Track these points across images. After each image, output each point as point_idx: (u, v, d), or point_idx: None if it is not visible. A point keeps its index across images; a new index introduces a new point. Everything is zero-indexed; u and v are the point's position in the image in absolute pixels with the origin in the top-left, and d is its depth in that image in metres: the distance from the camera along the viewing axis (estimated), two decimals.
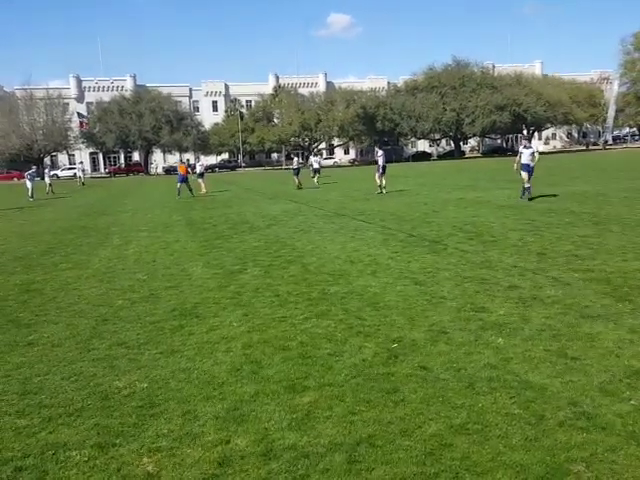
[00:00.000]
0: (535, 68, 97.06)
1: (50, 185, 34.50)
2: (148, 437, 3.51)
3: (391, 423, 3.55)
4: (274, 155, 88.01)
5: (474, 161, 63.29)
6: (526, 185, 16.45)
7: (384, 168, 21.83)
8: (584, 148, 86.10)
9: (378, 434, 3.42)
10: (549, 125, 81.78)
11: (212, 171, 76.54)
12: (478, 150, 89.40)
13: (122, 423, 3.69)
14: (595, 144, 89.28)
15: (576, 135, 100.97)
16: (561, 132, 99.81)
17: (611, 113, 78.18)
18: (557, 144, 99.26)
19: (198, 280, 7.86)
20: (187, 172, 25.84)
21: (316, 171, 30.42)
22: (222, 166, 79.68)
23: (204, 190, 26.84)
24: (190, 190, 24.90)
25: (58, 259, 10.25)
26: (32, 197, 28.96)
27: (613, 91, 78.65)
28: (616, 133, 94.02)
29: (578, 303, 5.84)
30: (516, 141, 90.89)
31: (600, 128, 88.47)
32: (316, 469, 3.07)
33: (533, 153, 16.67)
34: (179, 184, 25.15)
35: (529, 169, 16.41)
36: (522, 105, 71.18)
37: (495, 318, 5.51)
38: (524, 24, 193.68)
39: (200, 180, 27.62)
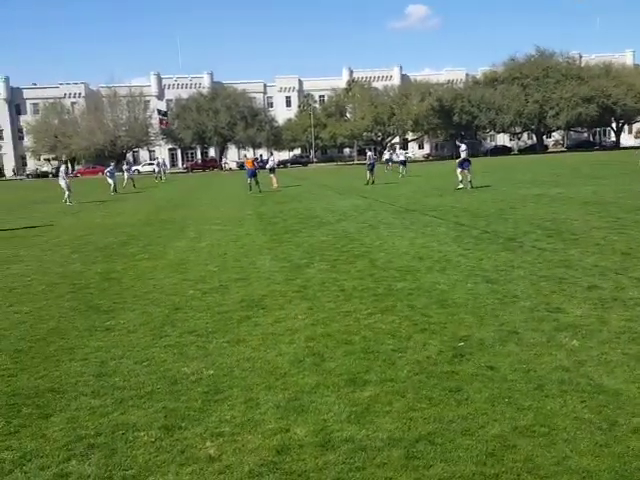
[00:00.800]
0: (626, 57, 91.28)
1: (131, 179, 35.72)
2: (212, 422, 3.63)
3: (452, 422, 3.48)
4: (346, 150, 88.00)
5: (558, 156, 60.52)
6: None
7: (469, 162, 21.24)
8: None
9: (438, 432, 3.36)
10: None
11: (284, 166, 77.64)
12: (562, 144, 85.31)
13: (188, 407, 3.84)
14: None
15: None
16: None
17: None
18: None
19: (266, 273, 8.03)
20: (255, 166, 26.10)
21: (403, 163, 34.48)
22: (294, 161, 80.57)
23: (275, 185, 27.27)
24: (257, 184, 25.04)
25: (136, 250, 10.78)
26: (115, 191, 30.27)
27: None
28: None
29: None
30: (604, 134, 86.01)
31: None
32: (373, 462, 3.07)
33: None
34: (249, 179, 25.52)
35: None
36: (611, 97, 67.25)
37: (571, 319, 5.26)
38: (615, 11, 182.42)
39: (272, 175, 28.08)
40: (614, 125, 77.30)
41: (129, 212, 19.32)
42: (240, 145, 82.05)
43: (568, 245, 8.84)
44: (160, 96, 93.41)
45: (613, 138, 79.79)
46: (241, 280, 7.63)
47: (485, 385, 3.97)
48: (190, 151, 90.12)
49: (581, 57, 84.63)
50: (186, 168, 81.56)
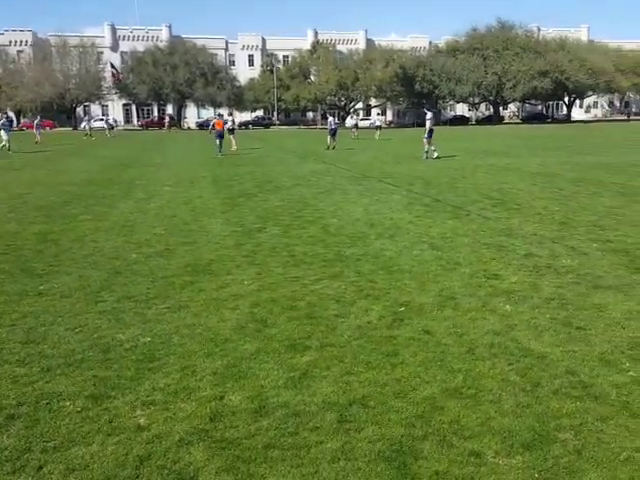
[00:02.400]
0: (581, 33, 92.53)
1: (90, 130, 34.44)
2: (144, 390, 3.57)
3: (386, 385, 3.61)
4: (309, 114, 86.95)
5: (512, 127, 61.58)
6: None
7: (431, 131, 20.69)
8: (625, 118, 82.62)
9: (372, 395, 3.48)
10: (591, 93, 78.51)
11: (245, 128, 76.24)
12: (518, 116, 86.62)
13: (120, 376, 3.75)
14: (637, 114, 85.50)
15: (618, 104, 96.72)
16: (603, 101, 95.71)
17: None
18: (598, 113, 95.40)
19: (216, 237, 7.97)
20: (223, 128, 25.21)
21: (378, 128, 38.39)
22: (256, 123, 79.13)
23: (235, 147, 26.84)
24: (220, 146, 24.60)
25: (78, 210, 10.42)
26: (9, 150, 27.03)
27: None
28: None
29: (592, 273, 5.75)
30: (556, 108, 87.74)
31: None
32: (306, 427, 3.14)
33: None
34: (218, 140, 24.46)
35: None
36: (565, 72, 68.42)
37: (506, 285, 5.48)
38: None
39: (231, 136, 27.58)
40: (566, 99, 78.87)
41: (74, 170, 18.57)
42: (199, 103, 79.77)
43: (511, 214, 9.12)
44: (114, 48, 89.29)
45: (565, 111, 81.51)
46: (189, 244, 7.56)
47: (420, 349, 4.12)
48: (146, 107, 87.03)
49: (539, 30, 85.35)
50: (141, 125, 78.96)
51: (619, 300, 4.97)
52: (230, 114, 35.24)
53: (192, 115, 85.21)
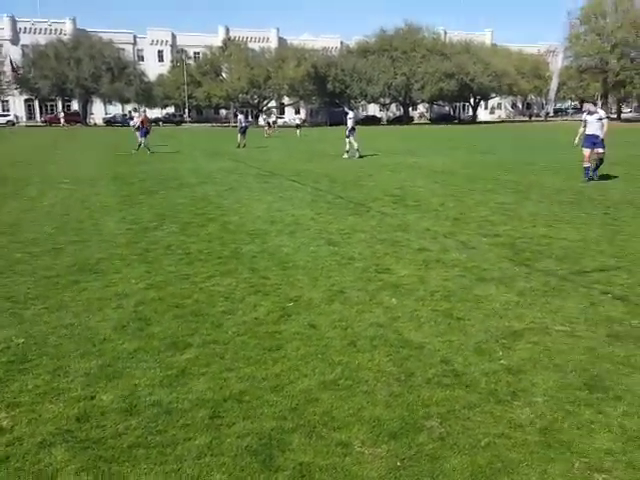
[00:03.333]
0: (485, 37, 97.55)
1: None
2: (10, 392, 3.39)
3: (264, 380, 3.56)
4: (222, 111, 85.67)
5: (421, 127, 63.89)
6: (585, 164, 12.90)
7: (353, 130, 20.49)
8: (527, 119, 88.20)
9: (249, 390, 3.42)
10: (494, 95, 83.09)
11: (156, 125, 73.89)
12: (426, 117, 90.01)
13: None
14: (537, 115, 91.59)
15: (520, 106, 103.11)
16: (506, 102, 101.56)
17: (554, 86, 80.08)
18: (502, 114, 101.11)
19: (108, 235, 7.61)
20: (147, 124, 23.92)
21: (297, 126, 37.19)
22: (166, 120, 76.92)
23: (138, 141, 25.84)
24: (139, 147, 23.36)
25: None
26: None
27: (557, 64, 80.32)
28: (558, 106, 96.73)
29: (478, 266, 6.01)
30: (463, 109, 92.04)
31: (543, 100, 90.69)
32: (176, 425, 3.05)
33: (601, 119, 12.85)
34: (142, 139, 23.30)
35: (596, 142, 12.62)
36: (469, 74, 71.89)
37: (395, 279, 5.60)
38: None
39: (137, 133, 26.58)
40: (472, 101, 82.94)
41: None
42: (106, 99, 76.40)
43: (409, 210, 9.40)
44: (14, 41, 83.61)
45: (471, 113, 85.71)
46: (79, 242, 7.17)
47: (304, 343, 4.11)
48: (50, 103, 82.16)
49: (446, 33, 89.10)
50: (45, 121, 74.46)
51: (500, 292, 5.21)
52: (134, 110, 33.81)
53: (99, 111, 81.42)
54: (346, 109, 24.72)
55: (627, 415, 3.12)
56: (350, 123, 20.61)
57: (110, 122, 72.01)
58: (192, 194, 11.61)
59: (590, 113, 13.15)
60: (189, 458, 2.76)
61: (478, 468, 2.70)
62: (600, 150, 12.84)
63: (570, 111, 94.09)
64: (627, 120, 68.84)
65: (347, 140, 20.58)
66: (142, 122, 23.91)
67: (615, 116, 75.95)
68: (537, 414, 3.15)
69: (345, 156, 20.41)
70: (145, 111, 28.52)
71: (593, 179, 12.88)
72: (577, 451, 2.82)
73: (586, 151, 12.83)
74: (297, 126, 44.42)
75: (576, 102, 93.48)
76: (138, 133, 25.54)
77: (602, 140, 12.75)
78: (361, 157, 20.06)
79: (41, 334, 4.25)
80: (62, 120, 62.87)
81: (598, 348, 3.98)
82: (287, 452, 2.81)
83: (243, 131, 28.04)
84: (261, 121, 48.81)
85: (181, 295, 5.15)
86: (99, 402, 3.28)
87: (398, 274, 5.76)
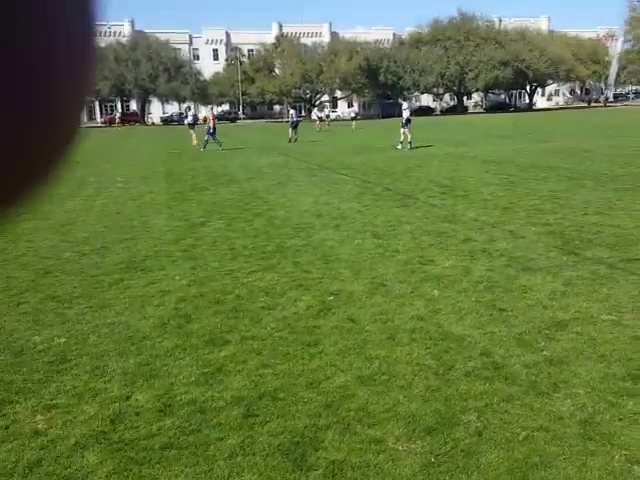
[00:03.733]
0: (542, 23, 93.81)
1: None
2: (48, 394, 3.43)
3: (300, 375, 3.54)
4: (276, 107, 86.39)
5: (475, 117, 62.21)
6: None
7: (409, 121, 20.32)
8: (586, 105, 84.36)
9: (284, 387, 3.41)
10: (551, 81, 79.88)
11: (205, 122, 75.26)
12: (481, 106, 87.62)
13: (26, 379, 3.60)
14: (597, 101, 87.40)
15: (579, 92, 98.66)
16: (564, 89, 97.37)
17: (613, 70, 76.28)
18: (560, 100, 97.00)
19: (157, 232, 7.80)
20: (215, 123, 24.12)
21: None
22: (221, 117, 78.23)
23: (195, 142, 26.46)
24: (216, 141, 23.48)
25: (21, 210, 10.06)
26: None
27: (617, 48, 76.46)
28: (618, 91, 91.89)
29: (525, 256, 5.79)
30: (519, 97, 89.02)
31: (602, 85, 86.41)
32: (209, 424, 3.05)
33: None
34: (209, 137, 23.50)
35: None
36: (525, 61, 69.46)
37: (439, 271, 5.47)
38: None
39: (191, 131, 27.20)
40: (528, 88, 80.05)
41: None
42: (163, 99, 78.63)
43: (457, 201, 9.17)
44: None
45: (527, 100, 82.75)
46: (127, 240, 7.37)
47: (342, 337, 4.07)
48: (109, 104, 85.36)
49: (500, 21, 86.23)
50: (104, 122, 77.45)
51: (547, 281, 5.00)
52: (188, 108, 34.53)
53: (157, 110, 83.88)
54: (400, 100, 24.35)
55: None
56: (405, 114, 20.49)
57: (167, 121, 73.98)
58: (240, 189, 11.75)
59: None
60: (220, 458, 2.76)
61: (514, 463, 2.60)
62: None
63: (631, 96, 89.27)
64: None
65: (402, 131, 20.43)
66: (212, 121, 24.18)
67: None
68: (578, 406, 3.01)
69: (399, 147, 20.23)
70: (213, 109, 28.91)
71: None
72: (618, 443, 2.67)
73: None
74: (352, 118, 46.32)
75: (637, 86, 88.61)
76: (206, 134, 26.04)
77: None
78: (413, 148, 19.76)
79: (82, 333, 4.34)
80: (117, 120, 65.30)
81: None
82: (320, 450, 2.78)
83: (295, 126, 28.18)
84: (313, 115, 49.18)
85: (222, 291, 5.21)
86: (134, 402, 3.31)
87: (442, 265, 5.63)
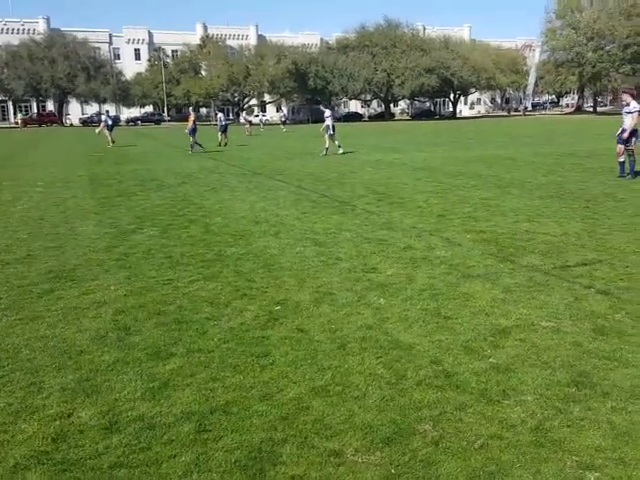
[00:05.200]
0: (464, 32, 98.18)
1: None
2: None
3: (252, 388, 3.46)
4: (203, 110, 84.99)
5: (402, 123, 63.99)
6: (620, 159, 12.32)
7: (333, 128, 20.41)
8: (505, 114, 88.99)
9: (236, 400, 3.32)
10: (474, 90, 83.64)
11: (134, 124, 73.01)
12: (408, 113, 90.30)
13: None
14: (516, 110, 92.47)
15: (499, 101, 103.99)
16: (485, 97, 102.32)
17: (531, 80, 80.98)
18: (481, 109, 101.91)
19: (86, 240, 7.42)
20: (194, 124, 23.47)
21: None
22: (145, 119, 76.10)
23: (111, 145, 25.57)
24: (199, 144, 22.92)
25: None
26: None
27: (534, 58, 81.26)
28: (536, 100, 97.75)
29: (463, 263, 5.97)
30: (443, 105, 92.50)
31: (522, 95, 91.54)
32: (160, 441, 2.92)
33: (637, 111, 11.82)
34: (191, 137, 22.94)
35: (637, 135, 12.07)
36: (450, 69, 72.30)
37: (383, 278, 5.54)
38: None
39: (106, 132, 26.28)
40: (452, 96, 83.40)
41: None
42: (82, 99, 75.36)
43: (394, 208, 9.35)
44: None
45: (451, 108, 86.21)
46: (54, 248, 6.96)
47: (292, 348, 4.02)
48: (24, 104, 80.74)
49: (425, 29, 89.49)
50: (17, 123, 73.09)
51: (486, 288, 5.17)
52: (107, 111, 33.23)
53: (75, 111, 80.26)
54: (322, 107, 24.58)
55: (615, 411, 3.10)
56: (328, 121, 20.52)
57: (87, 122, 70.92)
58: (172, 195, 11.44)
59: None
60: (174, 476, 2.64)
61: (473, 471, 2.65)
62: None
63: (548, 105, 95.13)
64: (602, 113, 69.82)
65: (325, 138, 20.56)
66: (193, 122, 23.45)
67: (591, 109, 76.96)
68: (528, 413, 3.11)
69: (323, 153, 20.32)
70: (193, 109, 28.07)
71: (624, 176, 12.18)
72: (568, 449, 2.78)
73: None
74: (282, 122, 50.10)
75: (553, 96, 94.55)
76: (106, 132, 25.11)
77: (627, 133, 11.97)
78: (343, 154, 20.00)
79: (13, 347, 4.06)
80: (20, 122, 61.66)
81: (584, 343, 3.96)
82: (278, 465, 2.71)
83: (224, 129, 27.82)
84: (241, 119, 48.89)
85: (163, 301, 5.02)
86: (77, 420, 3.13)
87: (385, 273, 5.70)
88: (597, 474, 2.59)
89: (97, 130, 27.99)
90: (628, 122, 11.96)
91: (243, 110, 72.42)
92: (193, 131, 23.17)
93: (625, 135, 12.05)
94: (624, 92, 12.90)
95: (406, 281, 5.44)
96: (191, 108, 30.57)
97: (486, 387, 3.41)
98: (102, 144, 27.26)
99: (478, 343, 4.02)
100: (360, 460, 2.75)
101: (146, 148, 26.42)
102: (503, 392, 3.34)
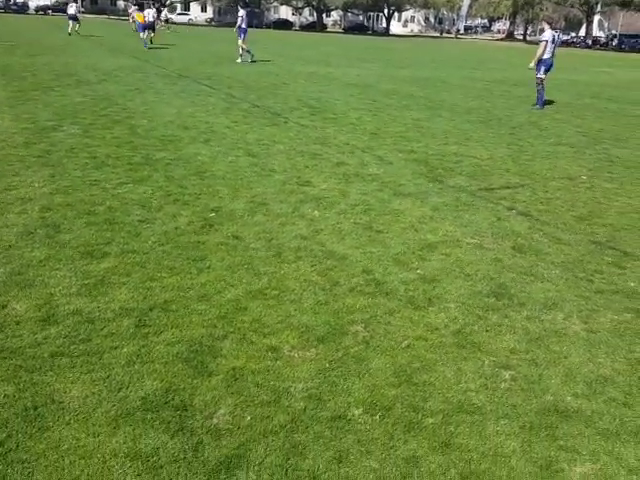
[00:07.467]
0: None
1: None
2: None
3: (190, 289, 3.52)
4: (120, 3, 78.03)
5: (334, 36, 62.01)
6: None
7: (245, 31, 19.08)
8: (438, 35, 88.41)
9: (175, 299, 3.38)
10: (408, 7, 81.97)
11: (44, 13, 66.14)
12: (340, 25, 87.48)
13: None
14: (449, 32, 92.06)
15: (432, 20, 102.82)
16: (419, 15, 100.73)
17: (466, 2, 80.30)
18: (415, 28, 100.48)
19: (2, 134, 6.91)
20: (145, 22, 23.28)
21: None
22: (56, 9, 68.96)
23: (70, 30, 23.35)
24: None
25: None
26: None
27: None
28: (468, 23, 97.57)
29: (395, 181, 6.15)
30: (377, 20, 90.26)
31: (455, 16, 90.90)
32: (100, 334, 2.97)
33: (554, 41, 11.86)
34: (142, 33, 22.69)
35: (548, 66, 11.98)
36: None
37: (317, 192, 5.62)
38: None
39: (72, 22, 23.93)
40: (386, 12, 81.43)
41: None
42: None
43: (327, 123, 9.30)
44: None
45: (384, 25, 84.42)
46: None
47: (228, 253, 4.07)
48: None
49: None
50: None
51: (416, 206, 5.39)
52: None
53: None
54: (239, 6, 20.59)
55: (529, 319, 3.45)
56: (239, 22, 18.89)
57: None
58: (92, 93, 10.73)
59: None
60: (117, 366, 2.72)
61: (400, 367, 2.90)
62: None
63: (479, 29, 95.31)
64: (532, 42, 71.11)
65: (239, 42, 19.28)
66: (138, 18, 23.59)
67: (521, 37, 77.96)
68: (451, 318, 3.40)
69: (238, 60, 19.46)
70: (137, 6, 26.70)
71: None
72: (486, 350, 3.10)
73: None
74: (165, 21, 43.20)
75: (485, 20, 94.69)
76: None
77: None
78: (253, 62, 19.30)
79: None
80: None
81: (504, 259, 4.30)
82: (219, 358, 2.85)
83: (151, 26, 25.89)
84: (163, 16, 45.44)
85: (92, 202, 4.86)
86: (12, 311, 3.10)
87: (319, 187, 5.78)
88: (512, 372, 2.92)
89: None
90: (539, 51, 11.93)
91: (164, 7, 67.12)
92: (143, 27, 23.11)
93: (531, 65, 12.07)
94: (543, 19, 13.04)
95: (339, 195, 5.55)
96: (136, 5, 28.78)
97: (413, 295, 3.66)
98: (12, 32, 24.63)
99: (407, 256, 4.25)
100: (296, 355, 2.93)
101: (59, 41, 24.18)
102: (429, 300, 3.60)
